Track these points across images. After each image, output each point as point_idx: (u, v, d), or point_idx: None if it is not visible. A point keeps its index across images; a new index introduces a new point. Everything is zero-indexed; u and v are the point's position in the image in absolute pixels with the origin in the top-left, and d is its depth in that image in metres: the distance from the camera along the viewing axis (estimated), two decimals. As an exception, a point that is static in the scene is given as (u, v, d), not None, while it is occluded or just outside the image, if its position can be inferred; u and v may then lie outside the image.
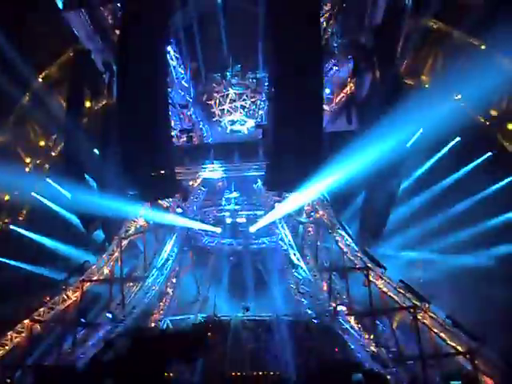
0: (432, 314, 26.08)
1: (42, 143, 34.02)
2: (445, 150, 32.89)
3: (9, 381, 23.48)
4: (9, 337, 26.74)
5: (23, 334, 27.02)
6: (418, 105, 26.57)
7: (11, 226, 34.51)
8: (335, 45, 30.75)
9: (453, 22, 30.69)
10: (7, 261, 33.19)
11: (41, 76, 32.51)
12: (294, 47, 24.90)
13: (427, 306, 26.34)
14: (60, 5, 27.65)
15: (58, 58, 32.25)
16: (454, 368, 24.87)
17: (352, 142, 26.94)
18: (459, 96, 31.31)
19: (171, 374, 21.89)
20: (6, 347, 26.57)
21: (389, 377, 24.79)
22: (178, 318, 32.33)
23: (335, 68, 31.67)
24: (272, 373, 24.95)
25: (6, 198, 33.50)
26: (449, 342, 25.25)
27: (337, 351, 26.69)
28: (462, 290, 28.23)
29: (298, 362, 25.04)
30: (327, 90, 31.85)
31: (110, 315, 28.12)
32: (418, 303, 26.39)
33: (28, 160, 33.88)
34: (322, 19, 28.90)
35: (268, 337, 27.74)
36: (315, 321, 29.17)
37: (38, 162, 34.32)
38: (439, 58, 31.51)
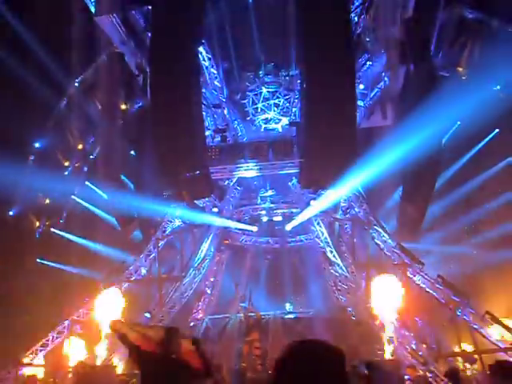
0: (472, 310, 25.65)
1: (80, 146, 34.40)
2: (483, 142, 32.21)
3: (51, 380, 23.80)
4: (50, 337, 27.18)
5: (64, 335, 27.47)
6: (455, 97, 26.05)
7: (52, 229, 35.03)
8: (368, 39, 30.38)
9: (490, 11, 29.88)
10: (49, 263, 33.91)
11: (76, 81, 32.91)
12: (325, 43, 24.68)
13: (467, 301, 25.93)
14: (93, 10, 28.12)
15: (92, 62, 32.55)
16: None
17: (387, 136, 26.68)
18: (498, 87, 30.51)
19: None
20: (47, 348, 27.02)
21: (429, 375, 24.47)
22: (217, 317, 32.46)
23: (369, 63, 31.29)
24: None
25: (47, 201, 34.08)
26: (489, 338, 24.82)
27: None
28: (501, 285, 27.71)
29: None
30: (361, 86, 31.47)
31: (148, 315, 28.43)
32: (457, 299, 26.00)
33: (67, 163, 34.33)
34: (353, 14, 28.72)
35: (306, 334, 27.62)
36: (353, 318, 29.04)
37: (76, 165, 34.75)
38: (476, 48, 30.58)
